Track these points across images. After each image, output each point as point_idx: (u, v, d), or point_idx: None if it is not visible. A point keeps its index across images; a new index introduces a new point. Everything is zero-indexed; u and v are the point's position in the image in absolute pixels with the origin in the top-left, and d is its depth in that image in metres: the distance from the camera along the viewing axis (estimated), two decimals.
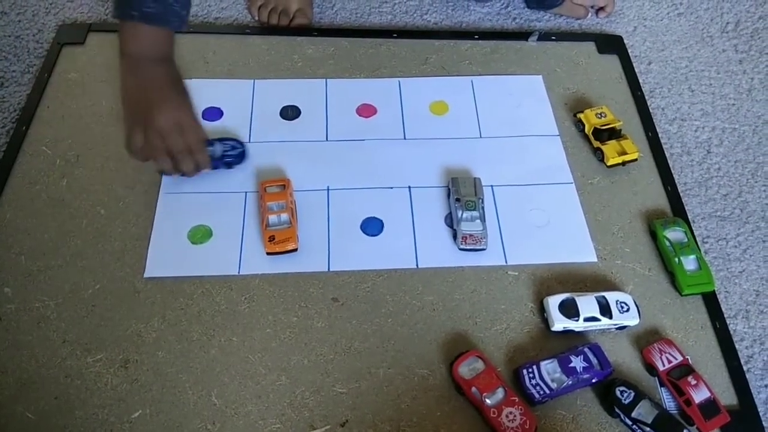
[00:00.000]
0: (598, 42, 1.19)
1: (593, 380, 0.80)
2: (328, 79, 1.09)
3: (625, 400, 0.77)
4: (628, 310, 0.84)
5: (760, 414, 0.81)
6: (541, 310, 0.86)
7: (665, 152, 1.04)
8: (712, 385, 0.80)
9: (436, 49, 1.15)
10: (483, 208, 0.92)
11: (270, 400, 0.78)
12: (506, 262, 0.91)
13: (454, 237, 0.91)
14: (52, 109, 1.03)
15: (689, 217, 0.97)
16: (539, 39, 1.18)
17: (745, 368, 0.85)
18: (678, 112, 1.12)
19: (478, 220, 0.91)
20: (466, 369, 0.80)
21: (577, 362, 0.80)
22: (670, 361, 0.81)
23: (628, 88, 1.12)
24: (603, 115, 1.03)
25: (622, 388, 0.78)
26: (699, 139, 1.09)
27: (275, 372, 0.80)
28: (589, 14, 1.24)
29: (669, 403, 0.80)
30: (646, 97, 1.12)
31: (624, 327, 0.85)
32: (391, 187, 0.97)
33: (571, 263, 0.91)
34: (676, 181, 1.01)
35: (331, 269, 0.89)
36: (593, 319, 0.83)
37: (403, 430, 0.77)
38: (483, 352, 0.82)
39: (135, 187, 0.95)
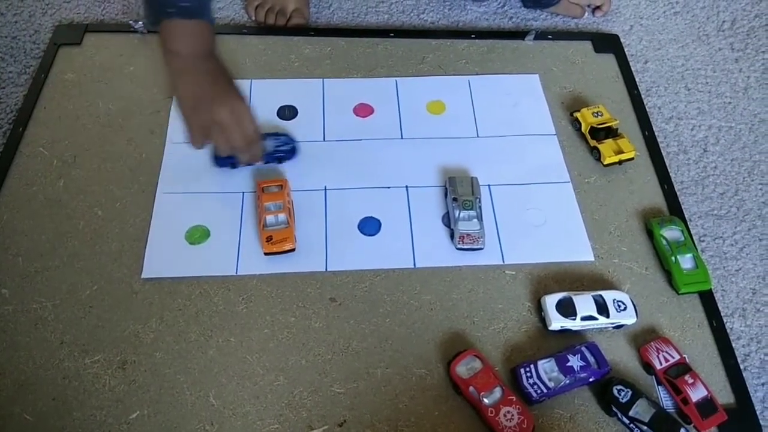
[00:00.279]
0: (595, 41, 1.19)
1: (590, 379, 0.80)
2: (324, 79, 1.09)
3: (622, 398, 0.77)
4: (625, 308, 0.84)
5: (757, 412, 0.82)
6: (539, 309, 0.86)
7: (662, 151, 1.05)
8: (709, 383, 0.80)
9: (433, 49, 1.15)
10: (480, 207, 0.92)
11: (268, 400, 0.79)
12: (503, 261, 0.91)
13: (452, 236, 0.92)
14: (49, 109, 1.03)
15: (686, 216, 0.98)
16: (536, 38, 1.18)
17: (741, 366, 0.85)
18: (674, 111, 1.13)
19: (476, 220, 0.91)
20: (464, 368, 0.80)
21: (575, 361, 0.80)
22: (667, 360, 0.81)
23: (624, 87, 1.13)
24: (599, 114, 1.03)
25: (619, 387, 0.78)
26: (695, 138, 1.09)
27: (273, 372, 0.80)
28: (586, 13, 1.24)
29: (666, 401, 0.80)
30: (643, 96, 1.12)
31: (621, 326, 0.85)
32: (389, 187, 0.97)
33: (568, 262, 0.91)
34: (673, 180, 1.01)
35: (328, 269, 0.89)
36: (590, 318, 0.83)
37: (401, 430, 0.77)
38: (480, 352, 0.82)
39: (132, 187, 0.95)
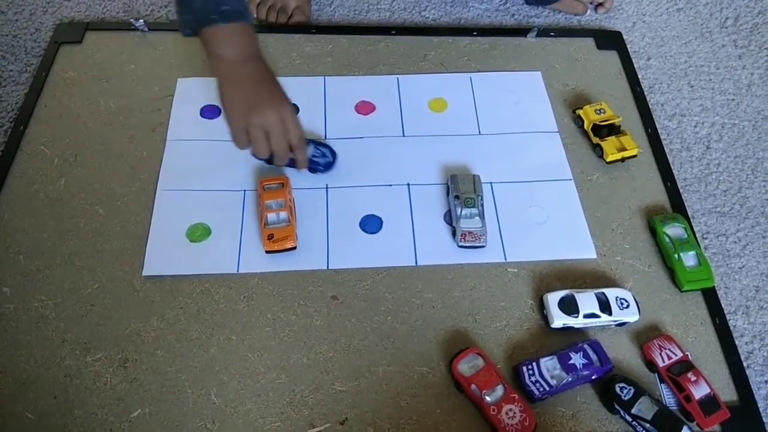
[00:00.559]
0: (597, 38, 1.18)
1: (593, 377, 0.80)
2: (326, 77, 1.09)
3: (624, 396, 0.77)
4: (627, 306, 0.84)
5: (761, 410, 0.81)
6: (541, 307, 0.86)
7: (665, 148, 1.04)
8: (712, 381, 0.80)
9: (435, 46, 1.15)
10: (482, 205, 0.92)
11: (269, 398, 0.78)
12: (505, 259, 0.91)
13: (454, 234, 0.91)
14: (50, 108, 1.03)
15: (689, 213, 0.97)
16: (538, 35, 1.17)
17: (745, 364, 0.85)
18: (677, 108, 1.12)
19: (477, 217, 0.90)
20: (466, 366, 0.79)
21: (577, 359, 0.80)
22: (670, 358, 0.81)
23: (627, 84, 1.12)
24: (602, 111, 1.03)
25: (621, 385, 0.78)
26: (698, 135, 1.09)
27: (274, 370, 0.80)
28: (588, 10, 1.23)
29: (669, 399, 0.80)
30: (646, 93, 1.11)
31: (624, 323, 0.85)
32: (390, 185, 0.97)
33: (570, 260, 0.91)
34: (676, 177, 1.01)
35: (330, 267, 0.89)
36: (593, 315, 0.83)
37: (402, 428, 0.77)
38: (482, 350, 0.81)
39: (133, 185, 0.95)
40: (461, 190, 0.92)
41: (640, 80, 1.13)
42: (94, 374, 0.79)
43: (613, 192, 0.98)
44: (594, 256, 0.92)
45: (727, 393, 0.82)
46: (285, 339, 0.83)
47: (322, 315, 0.85)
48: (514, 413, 0.76)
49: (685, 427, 0.74)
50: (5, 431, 0.75)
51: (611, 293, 0.85)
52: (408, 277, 0.88)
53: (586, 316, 0.83)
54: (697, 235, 0.95)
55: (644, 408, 0.76)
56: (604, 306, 0.84)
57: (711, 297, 0.89)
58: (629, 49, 1.18)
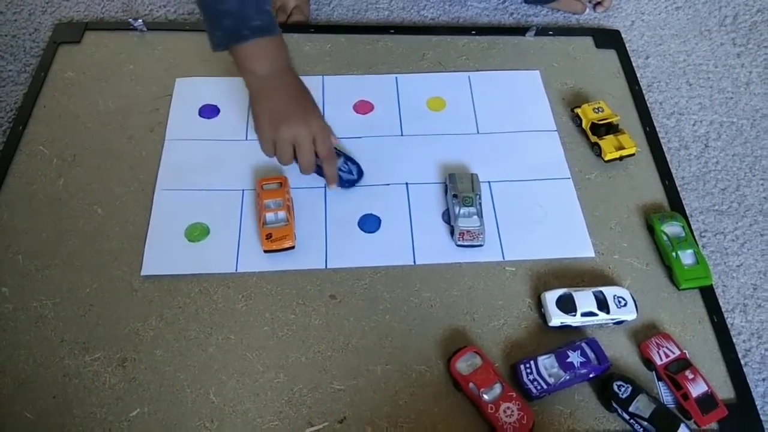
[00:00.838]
0: (596, 37, 1.18)
1: (591, 375, 0.80)
2: (324, 76, 1.09)
3: (622, 394, 0.77)
4: (625, 304, 0.84)
5: (758, 407, 0.81)
6: (539, 305, 0.86)
7: (663, 146, 1.04)
8: (709, 379, 0.80)
9: (433, 45, 1.15)
10: (480, 204, 0.92)
11: (268, 397, 0.79)
12: (504, 257, 0.91)
13: (452, 233, 0.91)
14: (49, 108, 1.03)
15: (687, 212, 0.97)
16: (537, 34, 1.17)
17: (742, 362, 0.85)
18: (676, 107, 1.12)
19: (476, 216, 0.91)
20: (464, 365, 0.80)
21: (575, 357, 0.80)
22: (667, 356, 0.81)
23: (625, 83, 1.12)
24: (600, 109, 1.03)
25: (619, 383, 0.78)
26: (697, 133, 1.09)
27: (273, 369, 0.80)
28: (587, 9, 1.23)
29: (666, 397, 0.80)
30: (644, 92, 1.11)
31: (621, 322, 0.85)
32: (388, 184, 0.97)
33: (568, 258, 0.91)
34: (674, 176, 1.01)
35: (328, 266, 0.89)
36: (591, 314, 0.83)
37: (400, 427, 0.77)
38: (480, 348, 0.82)
39: (132, 185, 0.95)
40: (459, 189, 0.92)
41: (639, 79, 1.13)
42: (93, 374, 0.79)
43: (611, 190, 0.98)
44: (592, 254, 0.92)
45: (725, 391, 0.82)
46: (283, 338, 0.83)
47: (320, 314, 0.85)
48: (512, 411, 0.76)
49: (682, 425, 0.75)
50: (4, 431, 0.75)
51: (609, 292, 0.85)
52: (406, 276, 0.89)
53: (584, 314, 0.83)
54: (694, 233, 0.95)
55: (642, 406, 0.76)
56: (602, 304, 0.84)
57: (709, 295, 0.89)
58: (628, 48, 1.18)
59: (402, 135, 1.03)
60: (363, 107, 1.06)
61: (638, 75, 1.14)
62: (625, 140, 1.00)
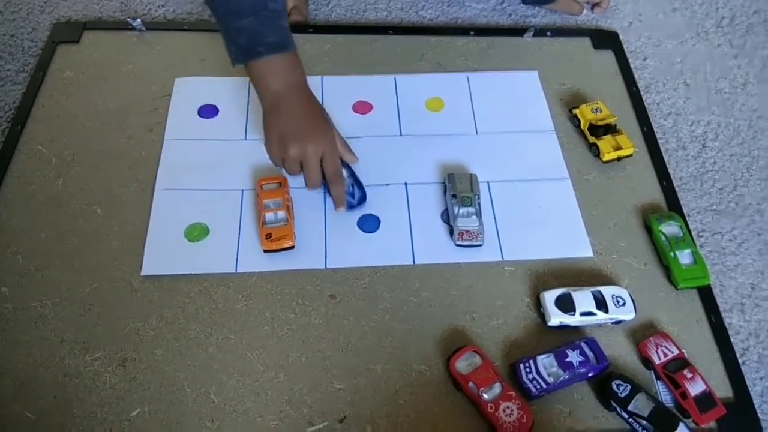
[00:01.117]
0: (594, 37, 1.19)
1: (590, 374, 0.80)
2: (323, 77, 1.09)
3: (621, 393, 0.78)
4: (624, 304, 0.85)
5: (756, 406, 0.82)
6: (538, 305, 0.86)
7: (660, 147, 1.05)
8: (707, 378, 0.80)
9: (432, 46, 1.15)
10: (479, 204, 0.92)
11: (268, 397, 0.79)
12: (503, 257, 0.91)
13: (451, 233, 0.92)
14: (48, 107, 1.03)
15: (684, 212, 0.98)
16: (535, 35, 1.18)
17: (740, 361, 0.85)
18: (673, 107, 1.13)
19: (475, 216, 0.91)
20: (464, 364, 0.80)
21: (574, 356, 0.80)
22: (666, 355, 0.82)
23: (623, 84, 1.13)
24: (598, 110, 1.03)
25: (618, 382, 0.78)
26: (694, 134, 1.09)
27: (273, 369, 0.81)
28: (585, 10, 1.24)
29: (665, 396, 0.81)
30: (642, 92, 1.12)
31: (620, 321, 0.85)
32: (388, 184, 0.97)
33: (567, 258, 0.91)
34: (672, 176, 1.01)
35: (328, 266, 0.89)
36: (589, 313, 0.83)
37: (400, 426, 0.78)
38: (480, 348, 0.82)
39: (131, 185, 0.95)
40: (458, 189, 0.93)
41: (636, 80, 1.13)
42: (93, 374, 0.79)
43: (609, 191, 0.99)
44: (590, 254, 0.92)
45: (723, 390, 0.82)
46: (283, 338, 0.83)
47: (320, 314, 0.85)
48: (512, 411, 0.76)
49: (681, 424, 0.75)
50: (5, 431, 0.75)
51: (607, 291, 0.85)
52: (406, 275, 0.89)
53: (583, 314, 0.83)
54: (692, 233, 0.95)
55: (640, 405, 0.77)
56: (601, 304, 0.84)
57: (706, 295, 0.90)
58: (625, 49, 1.18)
59: (401, 135, 1.03)
60: (362, 107, 1.06)
61: (636, 76, 1.14)
62: (623, 141, 1.00)
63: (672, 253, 0.90)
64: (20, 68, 1.09)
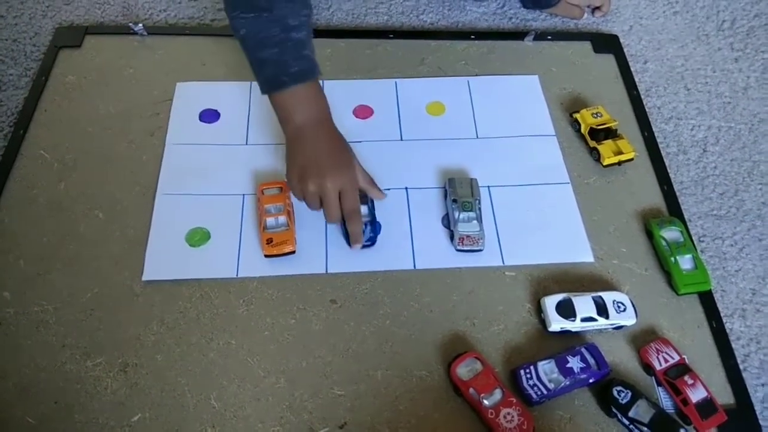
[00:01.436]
0: (594, 41, 1.19)
1: (590, 380, 0.80)
2: (324, 81, 1.09)
3: (622, 399, 0.77)
4: (624, 309, 0.85)
5: (757, 412, 0.82)
6: (539, 310, 0.86)
7: (661, 151, 1.05)
8: (708, 384, 0.80)
9: (433, 50, 1.15)
10: (480, 208, 0.92)
11: (269, 402, 0.79)
12: (503, 262, 0.91)
13: (451, 238, 0.92)
14: (50, 112, 1.03)
15: (685, 217, 0.98)
16: (535, 39, 1.18)
17: (741, 367, 0.85)
18: (674, 111, 1.13)
19: (475, 221, 0.91)
20: (464, 370, 0.80)
21: (575, 362, 0.80)
22: (666, 361, 0.82)
23: (624, 88, 1.13)
24: (599, 114, 1.03)
25: (619, 388, 0.78)
26: (695, 138, 1.09)
27: (274, 374, 0.81)
28: (585, 14, 1.24)
29: (666, 402, 0.81)
30: (642, 97, 1.12)
31: (621, 327, 0.85)
32: (388, 189, 0.97)
33: (567, 263, 0.91)
34: (672, 181, 1.01)
35: (329, 271, 0.89)
36: (590, 319, 0.83)
37: None
38: (481, 353, 0.82)
39: (132, 190, 0.95)
40: (459, 194, 0.93)
41: (637, 84, 1.13)
42: (95, 379, 0.79)
43: (609, 195, 0.99)
44: (591, 259, 0.92)
45: (724, 396, 0.82)
46: (284, 343, 0.83)
47: (321, 319, 0.85)
48: (512, 417, 0.76)
49: (682, 430, 0.75)
50: None
51: (608, 297, 0.85)
52: (406, 280, 0.89)
53: (584, 319, 0.83)
54: (693, 238, 0.95)
55: (641, 411, 0.76)
56: (602, 309, 0.84)
57: (708, 300, 0.90)
58: (626, 53, 1.18)
59: (402, 140, 1.03)
60: (363, 112, 1.06)
61: (636, 80, 1.14)
62: (624, 145, 1.00)
63: (673, 258, 0.90)
64: (23, 73, 1.09)
